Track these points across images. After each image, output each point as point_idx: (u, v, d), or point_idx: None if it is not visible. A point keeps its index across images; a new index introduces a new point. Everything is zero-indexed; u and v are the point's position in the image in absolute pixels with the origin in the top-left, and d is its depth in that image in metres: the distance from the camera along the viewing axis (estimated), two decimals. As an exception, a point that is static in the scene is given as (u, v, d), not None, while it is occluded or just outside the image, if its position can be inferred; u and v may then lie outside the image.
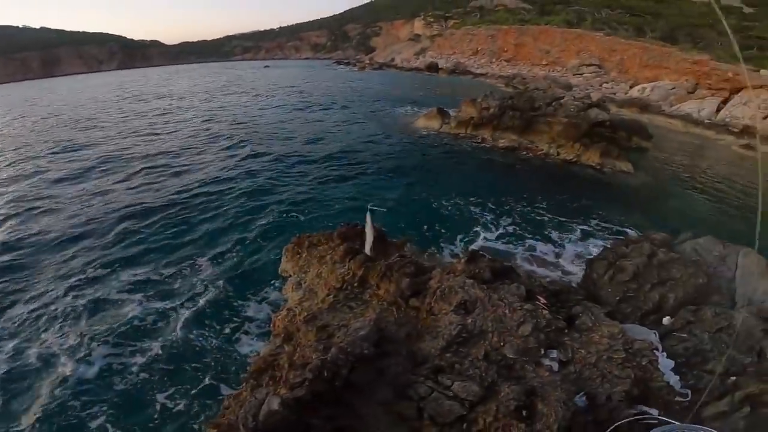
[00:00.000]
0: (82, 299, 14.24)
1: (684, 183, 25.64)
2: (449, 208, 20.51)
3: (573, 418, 5.87)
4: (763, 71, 43.42)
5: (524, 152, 29.24)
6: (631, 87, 56.02)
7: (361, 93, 60.78)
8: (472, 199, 21.44)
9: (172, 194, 22.71)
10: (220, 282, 14.95)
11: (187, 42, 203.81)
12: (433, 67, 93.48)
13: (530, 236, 17.67)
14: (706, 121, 41.91)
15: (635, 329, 7.47)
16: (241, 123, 42.27)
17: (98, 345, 12.19)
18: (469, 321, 7.55)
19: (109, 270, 15.92)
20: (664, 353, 7.05)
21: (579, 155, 26.90)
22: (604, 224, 19.11)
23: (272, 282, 14.83)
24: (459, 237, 17.42)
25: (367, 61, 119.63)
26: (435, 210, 20.16)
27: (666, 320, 8.05)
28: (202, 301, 14.03)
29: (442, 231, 17.94)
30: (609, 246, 10.81)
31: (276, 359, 9.33)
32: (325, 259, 12.06)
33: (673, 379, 6.70)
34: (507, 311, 7.25)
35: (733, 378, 6.86)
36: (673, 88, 49.71)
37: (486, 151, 30.06)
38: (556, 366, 6.76)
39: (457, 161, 28.04)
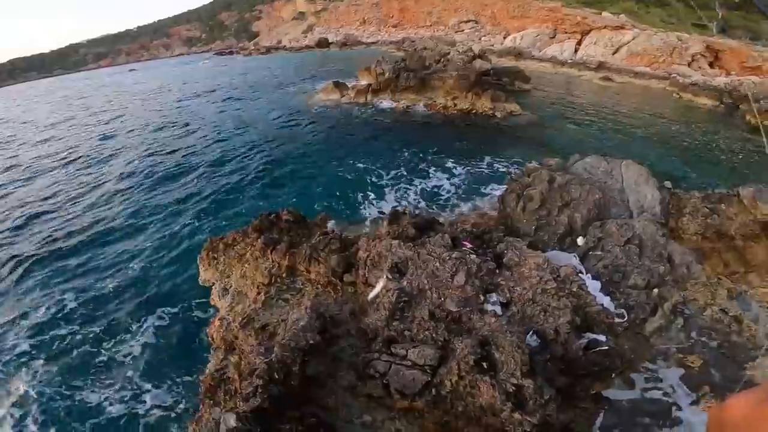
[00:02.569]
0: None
1: (563, 114, 28.59)
2: (362, 174, 19.84)
3: (532, 360, 5.82)
4: (604, 13, 49.46)
5: (424, 109, 29.70)
6: (504, 38, 59.72)
7: (252, 80, 55.64)
8: (383, 160, 21.05)
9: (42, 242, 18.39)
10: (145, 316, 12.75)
11: (18, 58, 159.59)
12: (323, 43, 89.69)
13: (443, 185, 17.87)
14: (569, 60, 47.21)
15: (557, 256, 7.71)
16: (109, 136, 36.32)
17: None
18: (405, 283, 7.15)
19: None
20: (589, 275, 7.35)
21: (473, 104, 28.24)
22: (506, 161, 20.21)
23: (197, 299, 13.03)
24: (376, 201, 16.96)
25: (252, 48, 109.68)
26: (348, 180, 19.34)
27: (580, 240, 8.49)
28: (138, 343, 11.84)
29: (359, 198, 17.28)
30: (513, 179, 11.17)
31: (224, 372, 8.22)
32: (245, 258, 10.75)
33: (606, 301, 7.01)
34: (438, 264, 6.94)
35: (656, 290, 7.47)
36: (538, 35, 54.24)
37: (388, 114, 29.81)
38: (499, 309, 6.69)
39: (362, 128, 27.35)
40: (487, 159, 20.62)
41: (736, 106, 29.79)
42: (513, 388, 5.37)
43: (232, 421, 5.80)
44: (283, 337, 7.62)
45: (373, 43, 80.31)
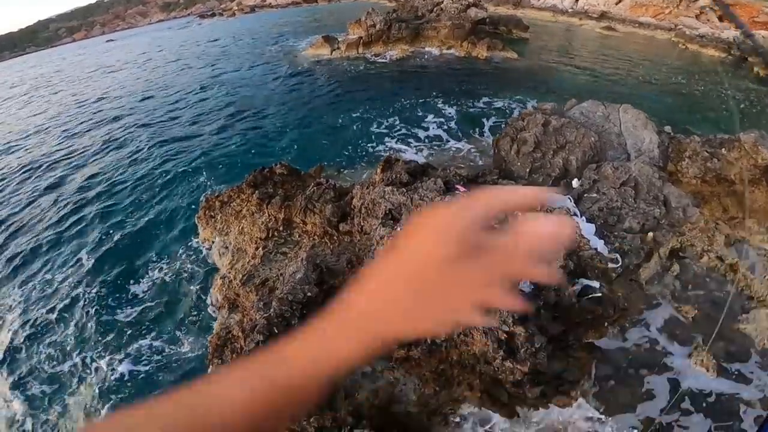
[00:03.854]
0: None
1: (562, 62, 27.34)
2: (355, 123, 19.36)
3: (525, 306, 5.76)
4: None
5: (418, 59, 28.52)
6: (501, -17, 55.85)
7: (238, 41, 52.57)
8: (376, 110, 20.52)
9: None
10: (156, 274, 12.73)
11: None
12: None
13: (437, 131, 17.49)
14: (569, 9, 44.45)
15: (551, 197, 7.46)
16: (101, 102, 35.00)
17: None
18: (398, 229, 7.04)
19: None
20: (583, 217, 7.19)
21: (469, 53, 27.09)
22: (502, 104, 19.73)
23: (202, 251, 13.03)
24: (371, 148, 16.61)
25: (236, 8, 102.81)
26: (342, 130, 18.89)
27: (575, 182, 8.29)
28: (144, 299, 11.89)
29: (354, 148, 16.91)
30: (509, 122, 10.80)
31: (230, 331, 8.36)
32: (242, 214, 10.65)
33: (600, 245, 6.88)
34: (430, 207, 6.81)
35: (651, 234, 7.32)
36: (537, -19, 50.64)
37: (381, 66, 28.58)
38: None
39: (354, 81, 26.33)
40: (483, 103, 20.08)
41: (744, 59, 28.52)
42: (504, 335, 5.40)
43: None
44: (281, 291, 7.65)
45: (363, -5, 75.44)
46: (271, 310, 7.09)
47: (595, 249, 6.59)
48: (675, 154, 9.71)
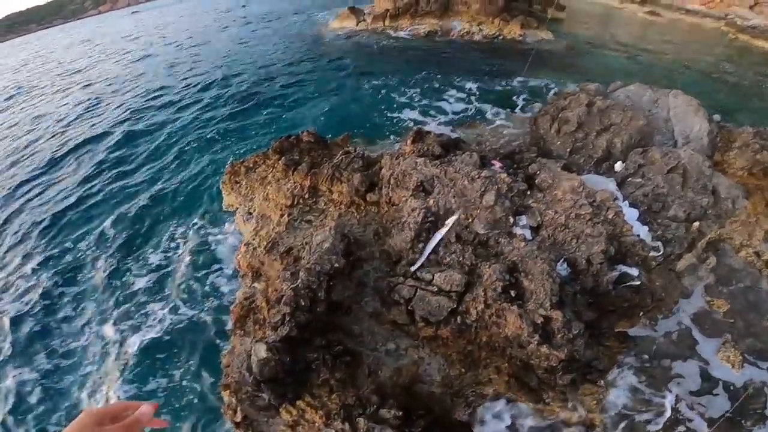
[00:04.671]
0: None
1: (600, 45, 26.01)
2: (383, 95, 18.99)
3: (562, 291, 5.57)
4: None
5: (448, 35, 27.48)
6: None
7: (264, 12, 51.87)
8: (404, 85, 20.02)
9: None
10: (179, 239, 12.96)
11: (14, 12, 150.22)
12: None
13: (467, 107, 16.97)
14: None
15: (593, 179, 7.14)
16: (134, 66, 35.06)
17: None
18: (431, 202, 6.82)
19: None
20: (626, 202, 6.81)
21: (501, 29, 25.83)
22: (536, 83, 18.94)
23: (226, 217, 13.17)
24: (399, 120, 16.27)
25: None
26: (369, 101, 18.53)
27: (618, 165, 7.83)
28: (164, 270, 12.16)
29: (381, 119, 16.63)
30: (548, 101, 10.26)
31: (253, 300, 8.34)
32: (267, 180, 10.55)
33: (643, 231, 6.51)
34: (466, 183, 6.53)
35: (696, 224, 6.89)
36: (578, -43, 47.61)
37: (408, 40, 27.75)
38: (528, 233, 6.33)
39: (380, 53, 25.75)
40: (516, 82, 19.37)
41: None
42: (541, 319, 5.18)
43: (262, 351, 5.86)
44: (308, 261, 7.52)
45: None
46: (299, 281, 6.98)
47: (638, 236, 6.27)
48: (723, 143, 9.09)
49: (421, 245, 7.01)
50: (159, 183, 15.43)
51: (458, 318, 6.06)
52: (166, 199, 14.57)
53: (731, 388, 6.53)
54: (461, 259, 6.48)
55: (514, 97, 17.51)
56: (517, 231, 6.48)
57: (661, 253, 6.49)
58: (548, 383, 5.89)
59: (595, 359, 6.16)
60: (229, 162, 11.71)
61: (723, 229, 8.21)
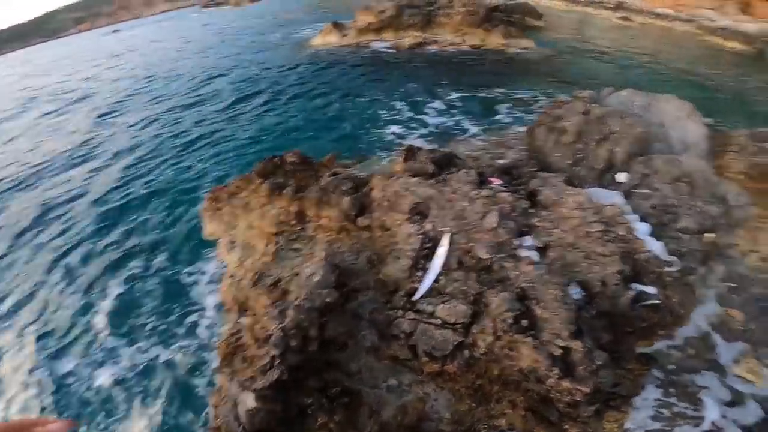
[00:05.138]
0: None
1: (580, 52, 26.29)
2: (369, 111, 18.48)
3: (578, 317, 5.05)
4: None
5: (431, 46, 27.41)
6: (513, -29, 54.11)
7: (247, 30, 51.15)
8: (390, 97, 19.61)
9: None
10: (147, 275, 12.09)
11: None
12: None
13: (457, 121, 16.55)
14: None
15: (598, 193, 6.70)
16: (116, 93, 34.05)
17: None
18: (428, 227, 6.27)
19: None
20: (635, 216, 6.38)
21: (484, 40, 26.03)
22: (524, 94, 18.74)
23: (205, 252, 12.31)
24: (387, 137, 15.76)
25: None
26: (355, 118, 17.99)
27: (622, 176, 7.41)
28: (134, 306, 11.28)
29: (369, 136, 16.08)
30: (543, 111, 9.93)
31: (239, 337, 7.61)
32: (250, 206, 9.87)
33: (657, 247, 6.08)
34: (465, 203, 6.01)
35: (710, 235, 6.50)
36: (550, -32, 49.03)
37: (391, 53, 27.56)
38: (535, 255, 5.83)
39: (365, 67, 25.37)
40: (502, 92, 19.13)
41: (764, 51, 27.27)
42: (559, 351, 4.64)
43: (250, 401, 5.30)
44: (297, 295, 6.90)
45: (372, -18, 73.42)
46: (287, 319, 6.33)
47: (651, 251, 5.82)
48: (719, 147, 8.86)
49: (419, 273, 6.44)
50: (133, 212, 14.53)
51: (465, 351, 5.48)
52: (141, 229, 13.68)
53: (757, 398, 6.15)
54: (464, 287, 5.93)
55: (503, 108, 17.26)
56: (523, 253, 5.96)
57: (677, 268, 6.06)
58: (570, 416, 5.35)
59: (617, 384, 5.66)
60: (209, 187, 11.02)
61: (728, 237, 7.90)
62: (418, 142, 13.62)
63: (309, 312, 6.27)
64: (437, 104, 18.32)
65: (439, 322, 5.67)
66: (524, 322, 5.31)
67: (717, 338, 6.78)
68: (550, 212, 6.06)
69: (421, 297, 6.14)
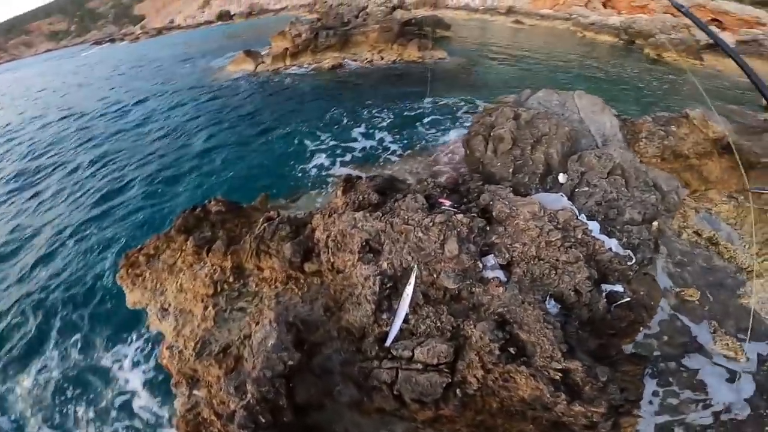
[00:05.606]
0: None
1: (487, 56, 28.11)
2: (295, 142, 17.42)
3: (566, 334, 4.73)
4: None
5: (351, 64, 27.39)
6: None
7: (145, 65, 46.54)
8: (315, 123, 18.76)
9: None
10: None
11: None
12: (225, 16, 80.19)
13: (386, 141, 16.20)
14: (481, 7, 47.30)
15: (545, 198, 6.61)
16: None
17: None
18: (385, 265, 5.66)
19: None
20: (583, 215, 6.37)
21: (400, 54, 26.63)
22: (446, 103, 19.07)
23: (135, 327, 10.32)
24: (315, 170, 14.82)
25: (140, 31, 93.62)
26: (281, 151, 16.78)
27: (562, 177, 7.43)
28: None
29: (298, 169, 15.02)
30: (474, 120, 9.95)
31: (198, 413, 6.37)
32: (177, 267, 8.48)
33: (613, 244, 6.00)
34: (420, 234, 5.51)
35: (655, 223, 6.69)
36: (448, -17, 52.70)
37: (313, 77, 26.94)
38: (501, 274, 5.48)
39: (285, 94, 24.37)
40: (426, 104, 19.31)
41: (631, 42, 31.58)
42: (558, 374, 4.27)
43: None
44: (252, 364, 5.91)
45: (281, 9, 73.50)
46: (248, 396, 5.34)
47: (610, 249, 5.82)
48: (630, 135, 9.55)
49: (385, 316, 5.78)
50: (36, 287, 11.97)
51: (457, 391, 4.92)
52: (50, 311, 11.28)
53: (747, 373, 6.26)
54: (438, 323, 5.40)
55: (429, 120, 17.40)
56: (489, 274, 5.60)
57: (634, 261, 6.14)
58: (589, 433, 5.00)
59: (623, 390, 5.49)
60: (122, 252, 9.29)
61: (670, 220, 8.33)
62: (351, 170, 13.05)
63: (271, 381, 5.31)
64: (363, 127, 17.87)
65: (420, 366, 5.06)
66: (512, 350, 4.92)
67: (685, 320, 6.93)
68: (507, 227, 5.80)
69: (393, 341, 5.50)
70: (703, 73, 22.90)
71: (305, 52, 28.46)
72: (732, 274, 7.66)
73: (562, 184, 7.30)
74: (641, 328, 6.33)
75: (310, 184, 13.53)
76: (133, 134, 22.54)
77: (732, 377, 6.16)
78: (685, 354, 6.45)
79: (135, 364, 9.40)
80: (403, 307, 5.54)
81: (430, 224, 5.54)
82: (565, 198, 6.64)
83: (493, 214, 5.91)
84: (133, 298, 9.08)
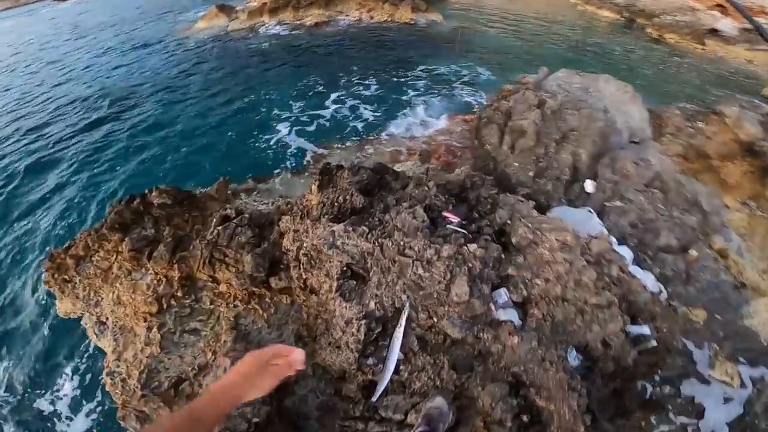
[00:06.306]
0: None
1: (483, 23, 25.55)
2: (267, 113, 14.82)
3: (589, 397, 3.60)
4: None
5: (335, 26, 24.25)
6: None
7: (114, 20, 40.71)
8: (289, 97, 15.96)
9: None
10: None
11: None
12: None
13: (373, 116, 13.99)
14: None
15: (573, 215, 5.21)
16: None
17: None
18: (372, 305, 4.26)
19: None
20: (613, 238, 5.00)
21: (392, 15, 23.89)
22: (445, 72, 16.96)
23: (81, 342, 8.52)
24: (288, 150, 12.60)
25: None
26: (248, 127, 14.14)
27: (589, 186, 5.88)
28: None
29: (267, 148, 12.75)
30: (487, 104, 8.29)
31: None
32: (112, 273, 6.81)
33: (650, 281, 4.71)
34: (421, 270, 4.11)
35: (693, 252, 5.46)
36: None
37: (292, 37, 23.60)
38: (515, 316, 4.18)
39: (260, 56, 21.23)
40: (420, 72, 17.04)
41: (632, 20, 29.75)
42: None
43: None
44: None
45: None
46: None
47: (645, 287, 4.65)
48: (653, 128, 8.24)
49: (370, 361, 4.48)
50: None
51: None
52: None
53: (741, 398, 5.70)
54: (438, 380, 4.16)
55: (424, 91, 15.39)
56: (500, 314, 4.33)
57: (664, 296, 5.03)
58: None
59: None
60: (45, 251, 7.48)
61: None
62: (330, 153, 11.12)
63: (237, 434, 4.04)
64: (346, 95, 15.46)
65: (415, 434, 3.84)
66: (525, 417, 3.80)
67: (690, 344, 6.15)
68: (528, 255, 4.48)
69: (382, 395, 4.27)
70: (704, 58, 21.69)
71: (286, 8, 25.08)
72: (738, 292, 6.84)
73: (589, 194, 5.94)
74: (659, 371, 5.39)
75: (280, 164, 11.51)
76: (64, 101, 19.06)
77: (726, 402, 5.59)
78: (683, 378, 5.77)
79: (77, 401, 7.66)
80: (393, 355, 4.25)
81: (434, 258, 4.11)
82: (595, 216, 5.31)
83: (513, 240, 4.54)
84: (63, 308, 7.32)
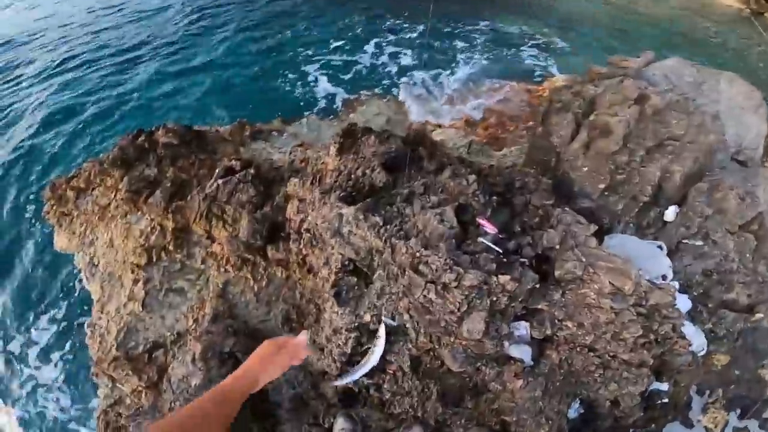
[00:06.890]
0: None
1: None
2: (291, 55, 13.40)
3: None
4: None
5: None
6: None
7: None
8: (325, 34, 14.38)
9: None
10: None
11: None
12: None
13: (416, 68, 12.31)
14: None
15: (637, 248, 3.88)
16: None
17: None
18: (368, 317, 3.41)
19: None
20: (675, 283, 3.72)
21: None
22: (509, 32, 14.37)
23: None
24: (316, 92, 11.55)
25: None
26: (271, 66, 12.86)
27: (671, 213, 4.53)
28: None
29: (290, 90, 11.67)
30: (565, 84, 6.54)
31: (119, 413, 5.01)
32: (109, 212, 6.33)
33: (700, 340, 3.74)
34: (433, 294, 3.14)
35: (760, 315, 4.09)
36: None
37: None
38: (527, 355, 3.26)
39: None
40: (480, 27, 14.64)
41: (761, 12, 24.12)
42: None
43: None
44: (182, 385, 4.22)
45: None
46: None
47: (690, 346, 3.57)
48: (766, 152, 6.34)
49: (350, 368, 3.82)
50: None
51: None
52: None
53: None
54: (419, 410, 3.45)
55: (481, 50, 13.27)
56: (512, 351, 3.43)
57: (703, 352, 3.99)
58: None
59: None
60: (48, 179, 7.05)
61: None
62: (363, 104, 9.76)
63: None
64: (388, 42, 13.61)
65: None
66: None
67: (693, 387, 5.13)
68: (567, 292, 3.42)
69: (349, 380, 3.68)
70: None
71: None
72: (765, 340, 5.55)
73: (666, 223, 4.48)
74: (653, 425, 4.57)
75: (312, 107, 10.55)
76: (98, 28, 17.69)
77: None
78: (669, 421, 4.88)
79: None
80: (368, 362, 3.53)
81: (453, 284, 3.13)
82: (665, 254, 3.97)
83: (555, 272, 3.44)
84: (60, 242, 7.00)
